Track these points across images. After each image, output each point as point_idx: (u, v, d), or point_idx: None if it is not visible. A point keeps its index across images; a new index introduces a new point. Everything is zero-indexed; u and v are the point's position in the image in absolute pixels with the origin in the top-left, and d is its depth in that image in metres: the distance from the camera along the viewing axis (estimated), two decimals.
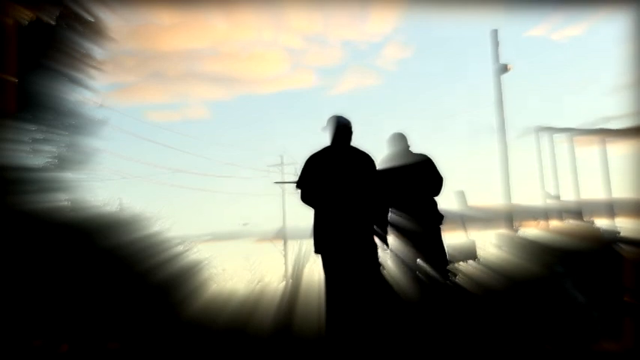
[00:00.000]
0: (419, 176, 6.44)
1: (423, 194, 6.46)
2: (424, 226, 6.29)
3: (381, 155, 6.60)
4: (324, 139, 5.91)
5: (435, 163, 6.59)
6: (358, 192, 5.67)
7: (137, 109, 42.32)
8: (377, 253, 5.70)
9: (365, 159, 5.81)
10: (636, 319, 5.64)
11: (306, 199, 5.73)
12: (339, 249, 5.58)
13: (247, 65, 37.74)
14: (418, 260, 6.27)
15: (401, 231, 6.30)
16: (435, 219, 6.45)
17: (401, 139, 6.70)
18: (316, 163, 5.76)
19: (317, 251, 5.68)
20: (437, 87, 45.89)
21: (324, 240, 5.65)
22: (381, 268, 5.83)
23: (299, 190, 5.79)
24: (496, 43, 16.91)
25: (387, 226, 6.17)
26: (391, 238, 6.27)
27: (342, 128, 5.89)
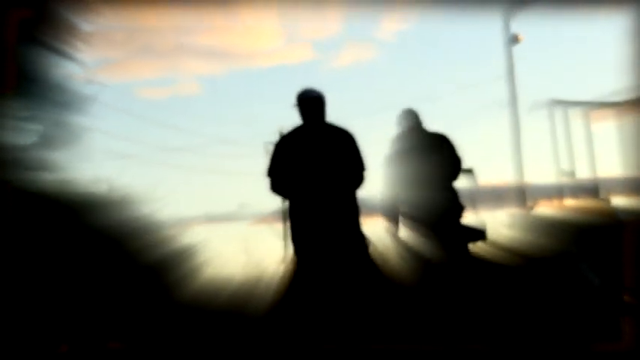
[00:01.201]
0: (434, 159, 6.07)
1: (441, 180, 6.11)
2: (440, 221, 5.98)
3: (390, 135, 6.29)
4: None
5: (452, 142, 6.23)
6: (337, 176, 5.24)
7: (126, 85, 42.20)
8: (365, 247, 5.32)
9: (344, 136, 5.39)
10: (636, 318, 5.64)
11: (276, 188, 5.35)
12: (319, 248, 5.17)
13: (240, 39, 37.64)
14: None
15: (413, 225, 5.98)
16: (455, 211, 6.15)
17: (410, 116, 6.27)
18: (287, 146, 5.37)
19: (296, 253, 5.28)
20: (440, 60, 45.77)
21: (301, 239, 5.26)
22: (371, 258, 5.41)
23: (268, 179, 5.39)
24: (508, 12, 16.80)
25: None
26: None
27: (312, 102, 5.42)
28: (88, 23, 8.38)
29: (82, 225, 6.84)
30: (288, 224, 5.34)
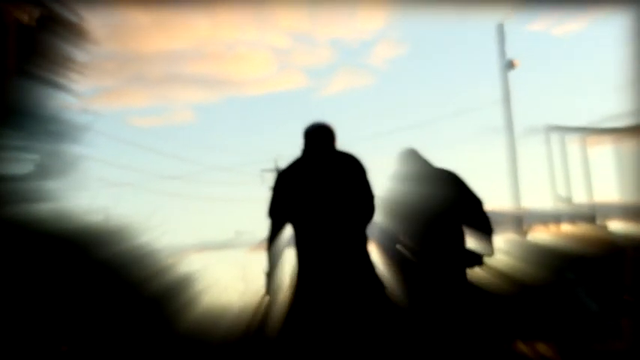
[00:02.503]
0: (443, 198, 5.45)
1: (456, 225, 5.56)
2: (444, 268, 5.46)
3: (389, 172, 5.74)
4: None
5: (464, 181, 5.62)
6: (345, 207, 4.74)
7: (119, 114, 42.28)
8: (378, 283, 4.84)
9: (350, 163, 4.87)
10: (636, 318, 5.73)
11: (275, 229, 4.86)
12: (327, 284, 4.67)
13: (232, 66, 37.80)
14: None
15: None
16: (461, 259, 5.58)
17: (414, 156, 5.70)
18: (289, 180, 4.90)
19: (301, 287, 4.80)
20: (434, 86, 46.06)
21: (309, 273, 4.77)
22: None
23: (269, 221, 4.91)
24: (502, 39, 17.00)
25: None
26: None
27: (316, 131, 5.01)
28: (82, 53, 8.52)
29: (79, 255, 6.90)
30: (291, 255, 4.92)
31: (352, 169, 4.87)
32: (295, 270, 4.91)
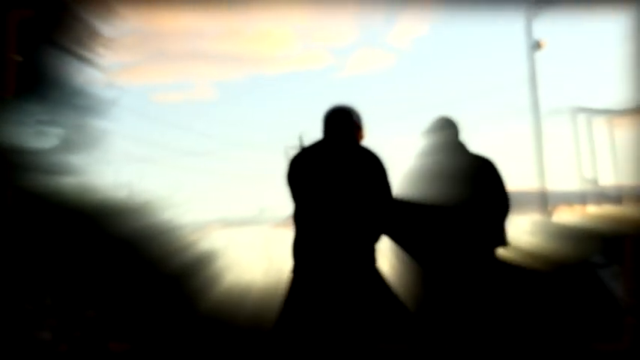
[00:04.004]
0: (472, 192, 4.70)
1: (477, 218, 4.77)
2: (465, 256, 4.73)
3: (416, 148, 5.00)
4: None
5: (499, 171, 4.84)
6: (351, 215, 4.14)
7: (141, 89, 42.07)
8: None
9: (366, 161, 4.21)
10: (636, 318, 5.66)
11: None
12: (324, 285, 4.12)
13: (255, 44, 37.37)
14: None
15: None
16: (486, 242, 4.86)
17: (446, 126, 4.94)
18: (299, 169, 4.38)
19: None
20: (457, 66, 45.40)
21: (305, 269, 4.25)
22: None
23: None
24: (530, 17, 16.70)
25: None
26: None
27: (332, 118, 4.50)
28: (109, 27, 8.49)
29: (102, 230, 6.90)
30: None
31: (367, 170, 4.23)
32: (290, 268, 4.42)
